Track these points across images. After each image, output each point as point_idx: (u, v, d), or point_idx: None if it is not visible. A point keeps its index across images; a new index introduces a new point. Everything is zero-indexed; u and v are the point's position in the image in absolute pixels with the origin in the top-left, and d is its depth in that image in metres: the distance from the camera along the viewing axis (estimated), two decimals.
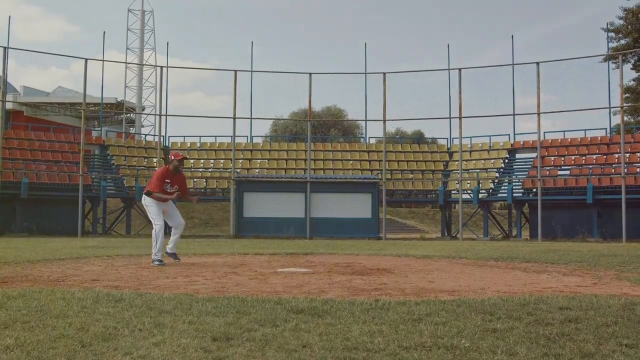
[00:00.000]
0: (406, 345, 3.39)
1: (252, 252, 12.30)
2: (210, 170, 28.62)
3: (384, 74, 24.94)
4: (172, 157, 9.34)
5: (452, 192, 26.85)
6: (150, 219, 9.37)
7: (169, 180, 9.22)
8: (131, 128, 46.60)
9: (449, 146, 29.78)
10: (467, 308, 4.56)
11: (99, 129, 33.11)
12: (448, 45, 28.39)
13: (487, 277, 7.47)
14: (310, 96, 25.01)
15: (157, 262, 8.93)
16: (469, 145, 28.90)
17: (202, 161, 29.21)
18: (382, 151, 26.37)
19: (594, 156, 25.58)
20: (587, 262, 9.49)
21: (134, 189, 25.83)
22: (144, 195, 9.39)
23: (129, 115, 44.69)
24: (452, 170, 27.91)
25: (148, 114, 46.77)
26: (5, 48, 23.01)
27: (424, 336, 3.60)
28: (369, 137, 31.82)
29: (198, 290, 5.81)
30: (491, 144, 28.66)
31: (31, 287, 5.87)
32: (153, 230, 9.23)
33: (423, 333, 3.68)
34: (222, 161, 28.61)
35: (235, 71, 24.97)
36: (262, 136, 39.65)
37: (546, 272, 8.05)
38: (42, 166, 24.77)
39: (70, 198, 23.46)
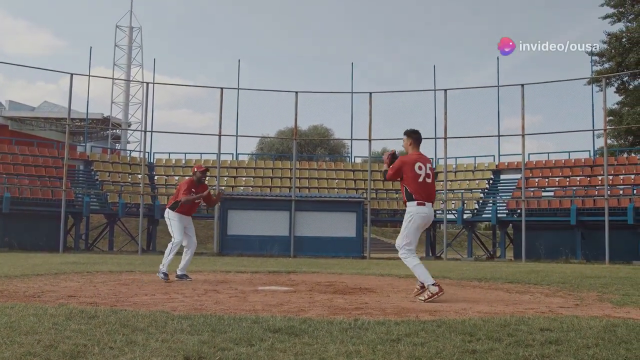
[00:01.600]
0: None
1: (235, 269, 12.19)
2: None
3: (370, 93, 25.03)
4: (195, 169, 9.85)
5: (437, 212, 26.85)
6: (170, 232, 9.46)
7: (194, 190, 9.59)
8: (117, 144, 46.33)
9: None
10: (447, 329, 4.50)
11: (84, 144, 32.90)
12: (434, 66, 28.57)
13: (470, 297, 7.42)
14: (296, 115, 25.02)
15: (162, 275, 9.04)
16: (454, 166, 29.07)
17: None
18: (367, 170, 26.39)
19: (578, 178, 25.78)
20: (570, 283, 9.47)
21: (117, 205, 25.62)
22: (167, 210, 9.57)
23: (114, 131, 44.48)
24: (437, 190, 27.96)
25: (134, 130, 46.59)
26: None
27: (401, 357, 3.53)
28: (355, 157, 31.89)
29: (175, 308, 5.70)
30: (476, 165, 28.81)
31: (4, 302, 5.73)
32: (170, 243, 9.31)
33: (401, 354, 3.61)
34: (207, 178, 28.47)
35: (222, 89, 24.93)
36: (248, 154, 39.53)
37: (529, 293, 8.02)
38: (25, 181, 24.52)
39: (52, 213, 23.20)
